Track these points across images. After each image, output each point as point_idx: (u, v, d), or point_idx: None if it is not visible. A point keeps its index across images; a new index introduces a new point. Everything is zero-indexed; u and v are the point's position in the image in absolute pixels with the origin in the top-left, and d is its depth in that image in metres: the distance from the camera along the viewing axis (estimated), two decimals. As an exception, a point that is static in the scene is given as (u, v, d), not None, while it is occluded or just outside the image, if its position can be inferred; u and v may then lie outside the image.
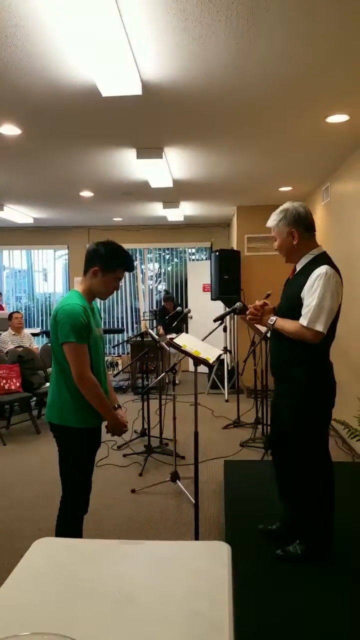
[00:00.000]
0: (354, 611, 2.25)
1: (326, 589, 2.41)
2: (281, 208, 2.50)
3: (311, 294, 2.33)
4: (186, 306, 8.79)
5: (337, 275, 2.40)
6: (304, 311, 2.35)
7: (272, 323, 2.50)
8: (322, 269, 2.35)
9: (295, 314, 2.40)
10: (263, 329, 2.98)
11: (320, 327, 2.32)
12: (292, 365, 2.48)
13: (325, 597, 2.35)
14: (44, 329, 9.05)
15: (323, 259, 2.44)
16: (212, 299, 7.35)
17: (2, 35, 2.44)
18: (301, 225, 2.44)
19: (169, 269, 9.83)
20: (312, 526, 2.59)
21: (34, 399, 5.68)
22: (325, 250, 2.52)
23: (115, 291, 2.36)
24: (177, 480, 3.70)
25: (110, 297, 2.48)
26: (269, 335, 2.68)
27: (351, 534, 2.93)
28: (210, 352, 2.80)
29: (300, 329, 2.35)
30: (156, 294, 9.73)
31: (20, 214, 7.43)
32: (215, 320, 3.15)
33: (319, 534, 2.58)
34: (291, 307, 2.43)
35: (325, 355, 2.53)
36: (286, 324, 2.44)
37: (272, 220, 2.51)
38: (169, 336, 4.36)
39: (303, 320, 2.34)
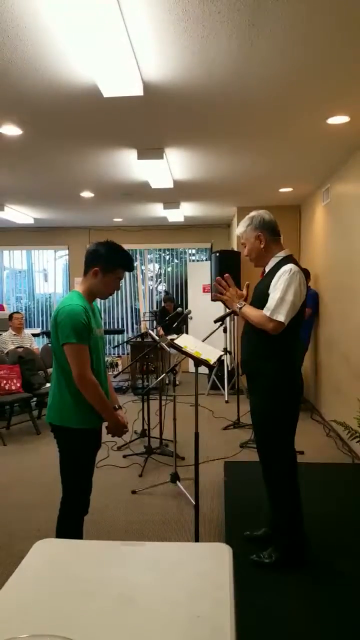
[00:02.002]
0: (353, 612, 2.24)
1: (328, 589, 2.40)
2: (248, 216, 2.67)
3: (276, 288, 2.47)
4: (186, 307, 8.79)
5: (302, 274, 2.52)
6: (268, 303, 2.48)
7: (240, 307, 2.63)
8: (288, 267, 2.49)
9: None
10: None
11: (281, 318, 2.43)
12: (260, 360, 2.57)
13: (326, 598, 2.35)
14: (45, 329, 9.04)
15: (288, 260, 2.58)
16: (212, 300, 7.35)
17: (4, 36, 2.44)
18: (267, 229, 2.61)
19: (169, 269, 9.83)
20: (281, 532, 2.60)
21: (34, 399, 5.68)
22: (291, 253, 2.66)
23: (115, 291, 2.36)
24: (177, 481, 3.70)
25: (111, 297, 2.49)
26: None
27: (352, 533, 2.93)
28: (211, 353, 2.79)
29: (263, 318, 2.49)
30: (156, 295, 9.72)
31: (20, 215, 7.43)
32: (215, 321, 3.15)
33: (290, 541, 2.58)
34: (259, 304, 2.55)
35: (292, 352, 2.62)
36: (252, 312, 2.57)
37: (241, 228, 2.68)
38: (169, 337, 4.36)
39: (266, 311, 2.47)
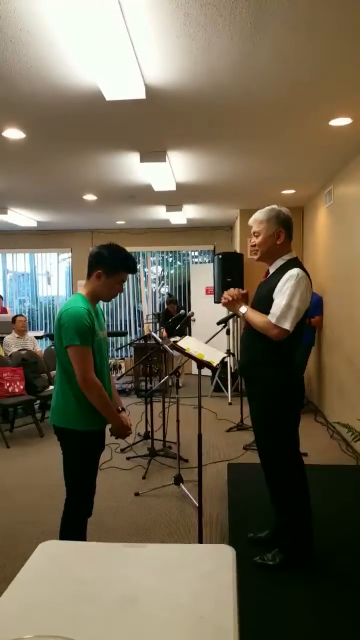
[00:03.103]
0: (355, 613, 2.24)
1: (332, 592, 2.40)
2: (272, 207, 2.58)
3: (281, 293, 2.42)
4: (189, 309, 8.80)
5: (307, 279, 2.48)
6: (273, 309, 2.43)
7: (243, 312, 2.59)
8: (294, 271, 2.44)
9: (266, 314, 2.49)
10: None
11: (287, 325, 2.39)
12: (260, 365, 2.54)
13: (330, 600, 2.34)
14: (48, 332, 9.06)
15: (295, 263, 2.53)
16: (215, 302, 7.36)
17: (7, 40, 2.46)
18: (286, 228, 2.55)
19: (172, 272, 9.84)
20: (288, 533, 2.59)
21: (38, 401, 5.69)
22: (297, 256, 2.62)
23: (118, 294, 2.37)
24: (181, 483, 3.70)
25: (114, 300, 2.50)
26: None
27: (357, 536, 2.92)
28: (214, 355, 2.79)
29: (268, 324, 2.43)
30: (159, 297, 9.74)
31: (23, 218, 7.46)
32: (218, 323, 3.15)
33: (296, 542, 2.58)
34: (262, 307, 2.51)
35: (293, 357, 2.59)
36: (256, 316, 2.51)
37: (262, 216, 2.55)
38: (172, 339, 4.36)
39: (272, 317, 2.42)
